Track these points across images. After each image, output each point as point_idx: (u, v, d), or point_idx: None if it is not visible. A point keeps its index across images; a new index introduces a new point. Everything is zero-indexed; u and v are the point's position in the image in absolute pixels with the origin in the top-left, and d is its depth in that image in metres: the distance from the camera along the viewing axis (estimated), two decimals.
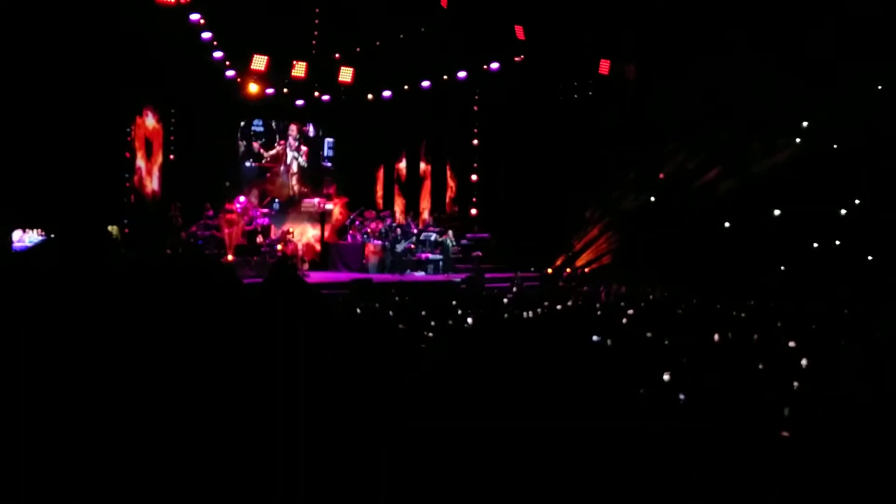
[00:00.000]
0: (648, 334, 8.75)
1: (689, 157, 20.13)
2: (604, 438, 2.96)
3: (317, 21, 19.28)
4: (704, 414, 5.30)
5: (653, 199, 20.95)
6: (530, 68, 20.50)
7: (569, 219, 21.37)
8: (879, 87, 18.40)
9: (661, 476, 3.12)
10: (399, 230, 20.75)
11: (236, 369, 2.61)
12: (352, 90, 20.11)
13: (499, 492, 2.76)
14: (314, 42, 19.39)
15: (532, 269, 19.61)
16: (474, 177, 22.95)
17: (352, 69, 19.61)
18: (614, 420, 3.19)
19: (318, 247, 21.66)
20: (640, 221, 20.41)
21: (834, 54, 17.79)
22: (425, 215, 22.78)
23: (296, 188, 21.58)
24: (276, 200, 20.92)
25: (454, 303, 12.11)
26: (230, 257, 17.84)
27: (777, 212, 19.83)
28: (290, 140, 21.40)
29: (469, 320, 9.96)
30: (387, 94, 20.61)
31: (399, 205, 22.99)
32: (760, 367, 7.04)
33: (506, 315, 11.06)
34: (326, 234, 21.77)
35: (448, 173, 23.28)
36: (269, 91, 19.35)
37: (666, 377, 6.13)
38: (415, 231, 21.02)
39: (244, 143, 20.84)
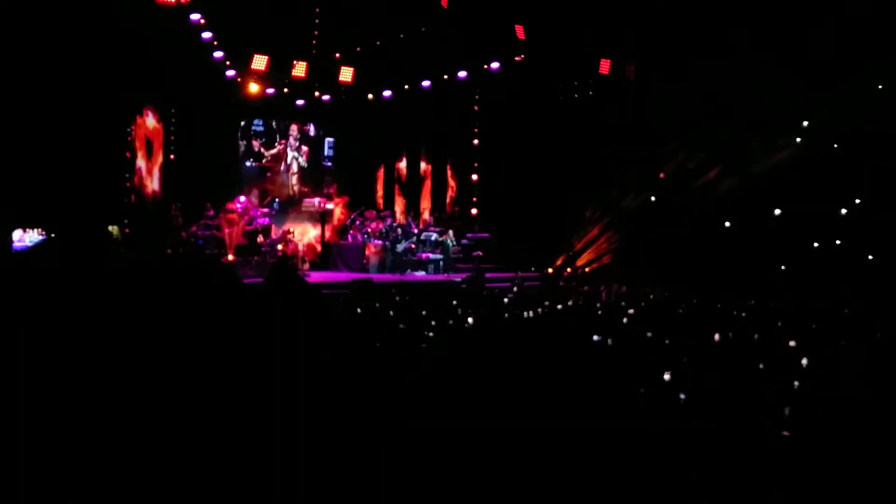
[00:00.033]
0: (649, 334, 8.75)
1: (689, 156, 20.13)
2: (604, 438, 2.96)
3: (317, 21, 19.27)
4: (705, 413, 5.30)
5: (653, 198, 20.95)
6: (531, 68, 20.50)
7: (569, 218, 21.37)
8: (880, 87, 18.40)
9: (661, 476, 3.12)
10: (399, 230, 20.76)
11: (236, 369, 2.61)
12: (352, 90, 20.11)
13: (499, 492, 2.76)
14: (314, 42, 19.39)
15: (532, 268, 19.61)
16: (475, 176, 22.96)
17: (352, 69, 19.61)
18: (614, 420, 3.19)
19: (318, 247, 21.66)
20: (640, 221, 20.41)
21: (834, 54, 17.79)
22: (426, 215, 22.77)
23: (296, 188, 21.58)
24: (277, 200, 20.92)
25: (455, 303, 12.12)
26: (230, 257, 17.84)
27: (777, 211, 19.83)
28: (291, 140, 21.40)
29: (469, 320, 9.96)
30: (387, 93, 20.61)
31: (399, 205, 22.99)
32: (761, 366, 7.04)
33: (506, 315, 11.06)
34: (327, 234, 21.77)
35: (448, 173, 23.29)
36: (270, 91, 19.35)
37: (666, 377, 6.13)
38: (415, 231, 21.02)
39: (244, 142, 20.83)
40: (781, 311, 11.84)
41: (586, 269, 20.70)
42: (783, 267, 19.16)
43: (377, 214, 21.26)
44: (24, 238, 15.12)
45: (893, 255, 18.03)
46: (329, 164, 22.21)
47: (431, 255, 20.26)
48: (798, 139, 19.68)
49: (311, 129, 21.81)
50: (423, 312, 10.37)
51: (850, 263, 18.33)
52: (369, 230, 20.48)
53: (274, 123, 21.21)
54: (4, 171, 14.29)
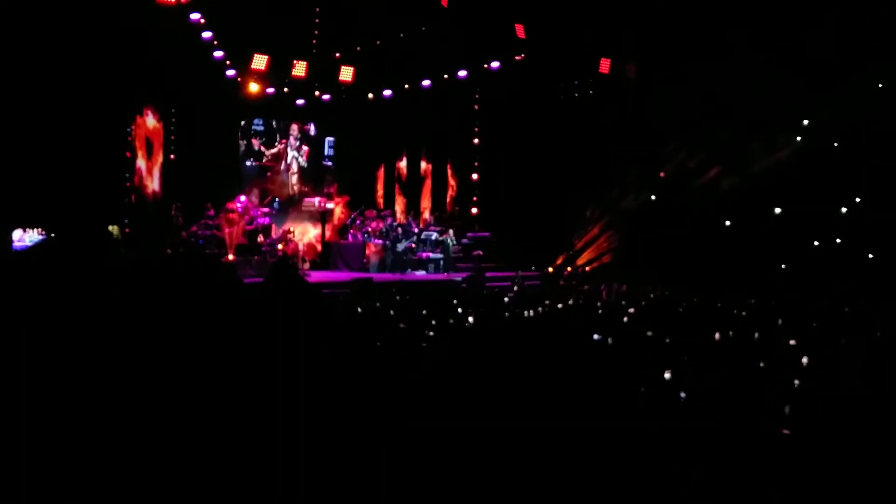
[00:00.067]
0: (649, 333, 8.75)
1: (689, 155, 20.13)
2: (604, 438, 2.96)
3: (317, 20, 19.27)
4: (705, 412, 5.31)
5: (653, 197, 20.95)
6: (531, 67, 20.51)
7: (569, 218, 21.38)
8: (880, 86, 18.40)
9: (661, 476, 3.12)
10: (400, 229, 20.76)
11: (236, 369, 2.61)
12: (352, 89, 20.11)
13: (499, 492, 2.76)
14: (314, 41, 19.39)
15: (533, 267, 19.62)
16: (475, 176, 22.97)
17: (352, 68, 19.61)
18: (614, 420, 3.19)
19: (318, 246, 21.66)
20: (640, 220, 20.42)
21: (834, 54, 17.79)
22: (426, 215, 22.78)
23: (296, 187, 21.58)
24: (277, 200, 20.92)
25: (455, 302, 12.12)
26: (231, 257, 17.84)
27: (777, 210, 19.83)
28: (291, 139, 21.40)
29: (470, 319, 9.96)
30: (387, 93, 20.61)
31: (400, 204, 22.99)
32: (761, 365, 7.04)
33: (507, 314, 11.06)
34: (327, 233, 21.77)
35: (449, 172, 23.29)
36: (270, 90, 19.35)
37: (667, 376, 6.13)
38: (415, 230, 21.02)
39: (244, 142, 20.83)
40: (782, 310, 11.84)
41: (587, 269, 20.70)
42: (783, 266, 19.17)
43: (377, 214, 21.26)
44: (24, 238, 15.12)
45: (893, 254, 18.03)
46: (329, 163, 22.20)
47: (432, 255, 20.26)
48: (798, 138, 19.68)
49: (312, 129, 21.80)
50: (424, 312, 10.37)
51: (850, 262, 18.34)
52: (369, 229, 20.48)
53: (274, 123, 21.21)
54: (4, 171, 14.29)
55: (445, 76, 20.58)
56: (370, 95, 20.63)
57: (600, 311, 11.76)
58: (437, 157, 23.23)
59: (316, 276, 17.62)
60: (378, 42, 19.52)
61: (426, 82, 20.52)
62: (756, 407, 5.49)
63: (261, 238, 19.20)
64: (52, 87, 14.84)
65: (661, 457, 3.18)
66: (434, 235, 20.67)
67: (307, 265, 19.52)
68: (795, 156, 19.24)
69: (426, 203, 23.20)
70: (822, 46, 17.62)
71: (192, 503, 2.37)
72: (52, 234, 14.89)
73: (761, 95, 18.15)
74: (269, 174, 21.14)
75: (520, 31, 20.00)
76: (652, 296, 14.95)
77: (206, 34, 17.74)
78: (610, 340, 7.68)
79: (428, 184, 23.30)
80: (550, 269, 20.22)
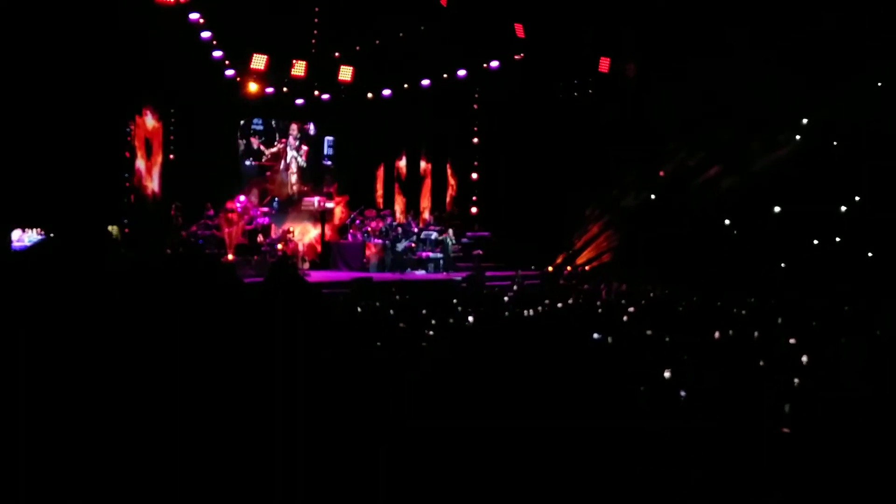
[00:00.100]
0: (649, 332, 8.75)
1: (689, 155, 20.13)
2: (604, 438, 2.96)
3: (316, 20, 19.27)
4: (705, 411, 5.30)
5: (653, 197, 20.95)
6: (530, 66, 20.51)
7: (569, 217, 21.39)
8: (879, 85, 18.40)
9: (661, 476, 3.12)
10: (399, 229, 20.76)
11: (237, 368, 2.60)
12: (352, 89, 20.10)
13: (499, 492, 2.75)
14: (314, 41, 19.38)
15: (532, 267, 19.61)
16: (474, 175, 22.97)
17: (351, 68, 19.60)
18: (614, 420, 3.19)
19: (318, 246, 21.65)
20: (640, 219, 20.42)
21: (834, 53, 17.79)
22: (426, 214, 22.78)
23: (295, 187, 21.57)
24: (276, 199, 20.91)
25: (455, 301, 12.11)
26: (230, 256, 17.83)
27: (777, 209, 19.83)
28: (291, 139, 21.39)
29: (470, 319, 9.96)
30: (387, 92, 20.60)
31: (399, 203, 22.98)
32: (761, 364, 7.04)
33: (506, 313, 11.06)
34: (327, 233, 21.76)
35: (448, 172, 23.29)
36: (269, 90, 19.34)
37: (667, 375, 6.13)
38: (415, 230, 21.02)
39: (244, 141, 20.82)
40: (781, 309, 11.84)
41: (586, 268, 20.71)
42: (783, 265, 19.17)
43: (377, 213, 21.25)
44: (24, 238, 15.12)
45: (893, 253, 18.03)
46: (329, 163, 22.19)
47: (431, 254, 20.26)
48: (798, 137, 19.68)
49: (312, 129, 21.79)
50: (424, 311, 10.37)
51: (849, 261, 18.34)
52: (369, 229, 20.47)
53: (273, 123, 21.20)
54: (4, 171, 14.28)
55: (445, 76, 20.58)
56: (369, 95, 20.63)
57: (600, 311, 11.76)
58: (437, 156, 23.22)
59: (316, 276, 17.61)
60: (377, 42, 19.51)
61: (426, 82, 20.51)
62: (756, 406, 5.49)
63: (260, 238, 19.19)
64: (51, 87, 14.83)
65: (661, 457, 3.18)
66: (434, 235, 20.67)
67: (307, 265, 19.51)
68: (795, 155, 19.24)
69: (426, 203, 23.20)
70: (821, 46, 17.63)
71: (192, 502, 2.37)
72: (52, 234, 14.89)
73: (761, 95, 18.15)
74: (268, 174, 21.13)
75: (519, 30, 20.00)
76: (652, 295, 14.95)
77: (206, 34, 17.73)
78: (610, 340, 7.68)
79: (427, 183, 23.30)
80: (550, 269, 20.22)
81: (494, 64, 20.63)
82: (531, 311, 11.10)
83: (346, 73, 19.57)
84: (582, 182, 20.62)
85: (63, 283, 2.72)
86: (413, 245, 20.42)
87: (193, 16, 17.27)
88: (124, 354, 2.51)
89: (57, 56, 14.84)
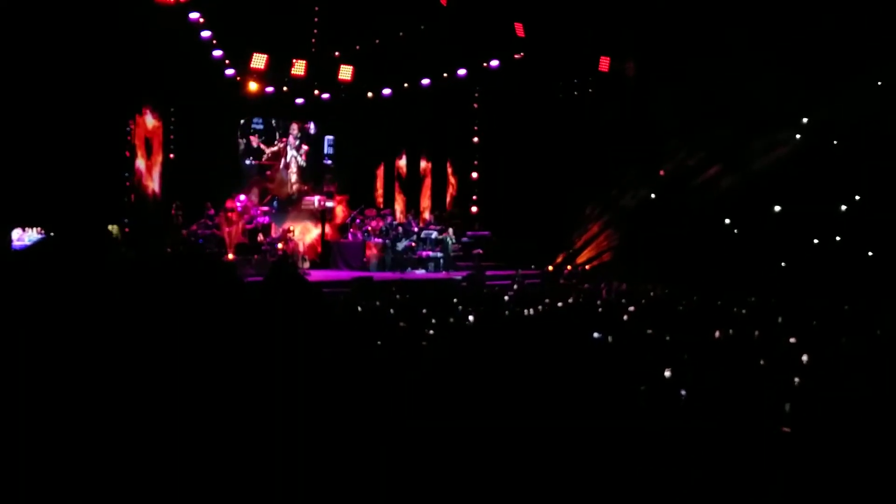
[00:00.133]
0: (649, 331, 8.76)
1: (688, 154, 20.13)
2: (604, 438, 2.96)
3: (316, 19, 19.26)
4: (705, 411, 5.31)
5: (653, 196, 20.95)
6: (530, 66, 20.51)
7: (569, 216, 21.39)
8: (879, 84, 18.40)
9: (661, 475, 3.12)
10: (400, 228, 20.76)
11: (237, 368, 2.60)
12: (352, 88, 20.09)
13: (499, 492, 2.75)
14: (314, 40, 19.37)
15: (533, 266, 19.61)
16: (475, 174, 22.97)
17: (351, 67, 19.59)
18: (614, 419, 3.19)
19: (318, 245, 21.65)
20: (640, 219, 20.43)
21: (833, 53, 17.80)
22: (426, 214, 22.78)
23: (296, 186, 21.56)
24: (276, 199, 20.90)
25: (455, 301, 12.12)
26: (230, 256, 17.83)
27: (777, 208, 19.83)
28: (291, 138, 21.38)
29: (470, 318, 9.96)
30: (387, 91, 20.60)
31: (400, 203, 22.98)
32: (761, 363, 7.04)
33: (507, 312, 11.06)
34: (328, 232, 21.76)
35: (448, 171, 23.30)
36: (269, 89, 19.33)
37: (667, 374, 6.13)
38: (415, 229, 21.01)
39: (244, 141, 20.81)
40: (782, 309, 11.85)
41: (586, 267, 20.71)
42: (783, 264, 19.17)
43: (377, 213, 21.25)
44: (24, 237, 15.12)
45: (893, 253, 18.03)
46: (329, 162, 22.18)
47: (431, 254, 20.26)
48: (797, 137, 19.69)
49: (312, 128, 21.78)
50: (424, 311, 10.37)
51: (850, 260, 18.34)
52: (369, 228, 20.47)
53: (273, 122, 21.19)
54: (4, 170, 14.28)
55: (445, 75, 20.58)
56: (370, 94, 20.62)
57: (600, 310, 11.77)
58: (437, 155, 23.22)
59: (316, 275, 17.60)
60: (377, 41, 19.51)
61: (426, 81, 20.51)
62: (756, 405, 5.49)
63: (261, 237, 19.19)
64: (51, 87, 14.82)
65: (661, 456, 3.18)
66: (434, 234, 20.66)
67: (307, 264, 19.50)
68: (795, 154, 19.24)
69: (426, 202, 23.20)
70: (821, 46, 17.63)
71: (193, 502, 2.37)
72: (52, 234, 14.89)
73: (760, 94, 18.15)
74: (268, 173, 21.12)
75: (519, 29, 20.00)
76: (652, 294, 14.96)
77: (206, 33, 17.71)
78: (610, 339, 7.68)
79: (428, 182, 23.31)
80: (550, 268, 20.22)
81: (494, 63, 20.63)
82: (531, 311, 11.11)
83: (346, 72, 19.57)
84: (582, 181, 20.63)
85: (63, 282, 2.71)
86: (413, 244, 20.41)
87: (193, 15, 17.25)
88: (124, 354, 2.51)
89: (57, 55, 14.84)
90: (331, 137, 22.06)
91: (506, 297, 13.79)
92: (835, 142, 19.29)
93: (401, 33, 19.39)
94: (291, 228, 19.74)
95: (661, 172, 20.85)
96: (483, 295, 14.25)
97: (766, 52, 17.86)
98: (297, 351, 2.68)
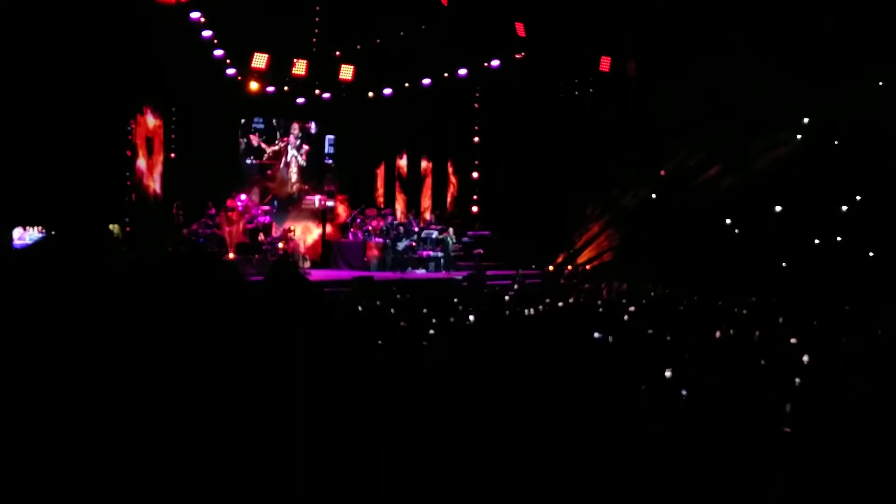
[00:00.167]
0: (650, 331, 8.76)
1: (689, 154, 20.14)
2: (604, 438, 2.96)
3: (317, 19, 19.27)
4: (706, 411, 5.31)
5: (654, 196, 20.95)
6: (531, 65, 20.52)
7: (570, 216, 21.40)
8: (880, 84, 18.40)
9: (661, 476, 3.12)
10: (400, 228, 20.76)
11: (236, 368, 2.60)
12: (352, 88, 20.10)
13: (499, 492, 2.75)
14: (315, 40, 19.38)
15: (533, 266, 19.62)
16: (475, 174, 22.97)
17: (352, 67, 19.61)
18: (615, 419, 3.19)
19: (319, 245, 21.65)
20: (640, 218, 20.43)
21: (834, 52, 17.79)
22: (427, 214, 22.79)
23: (296, 186, 21.57)
24: (276, 199, 20.91)
25: (455, 300, 12.12)
26: (231, 255, 17.83)
27: (778, 209, 19.83)
28: (292, 138, 21.39)
29: (471, 318, 9.97)
30: (387, 91, 20.61)
31: (400, 202, 22.99)
32: (762, 363, 7.04)
33: (507, 312, 11.06)
34: (329, 230, 21.76)
35: (449, 171, 23.30)
36: (270, 89, 19.34)
37: (668, 374, 6.13)
38: (416, 229, 21.02)
39: (245, 140, 20.82)
40: (782, 309, 11.85)
41: (587, 267, 20.72)
42: (784, 264, 19.17)
43: (378, 212, 21.26)
44: (25, 236, 15.13)
45: (894, 253, 18.03)
46: (330, 161, 22.19)
47: (432, 253, 20.26)
48: (798, 137, 19.69)
49: (313, 128, 21.79)
50: (424, 310, 10.38)
51: (850, 261, 18.34)
52: (370, 228, 20.48)
53: (274, 121, 21.20)
54: (5, 170, 14.29)
55: (446, 75, 20.59)
56: (370, 94, 20.63)
57: (601, 310, 11.77)
58: (438, 155, 23.23)
59: (317, 275, 17.61)
60: (378, 41, 19.52)
61: (426, 81, 20.52)
62: (757, 405, 5.49)
63: (261, 237, 19.19)
64: (52, 86, 14.83)
65: (661, 457, 3.17)
66: (434, 234, 20.67)
67: (308, 264, 19.51)
68: (796, 154, 19.24)
69: (426, 202, 23.20)
70: (822, 45, 17.63)
71: (193, 502, 2.37)
72: (53, 233, 14.89)
73: (761, 94, 18.15)
74: (269, 172, 21.14)
75: (520, 29, 20.01)
76: (653, 294, 14.96)
77: (206, 33, 17.73)
78: (610, 339, 7.68)
79: (428, 182, 23.32)
80: (551, 268, 20.22)
81: (495, 63, 20.64)
82: (532, 311, 11.11)
83: (346, 72, 19.58)
84: (583, 181, 20.63)
85: (63, 281, 2.72)
86: (414, 244, 20.42)
87: (194, 15, 17.27)
88: (125, 353, 2.51)
89: (58, 55, 14.85)
90: (331, 137, 22.07)
91: (506, 297, 13.80)
92: (836, 142, 19.28)
93: (402, 33, 19.40)
94: (292, 228, 19.75)
95: (662, 172, 20.86)
96: (483, 295, 14.26)
97: (766, 52, 17.85)
98: (298, 350, 2.68)
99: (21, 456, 2.25)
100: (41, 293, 2.60)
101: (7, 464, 2.24)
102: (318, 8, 19.09)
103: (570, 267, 20.57)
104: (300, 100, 20.32)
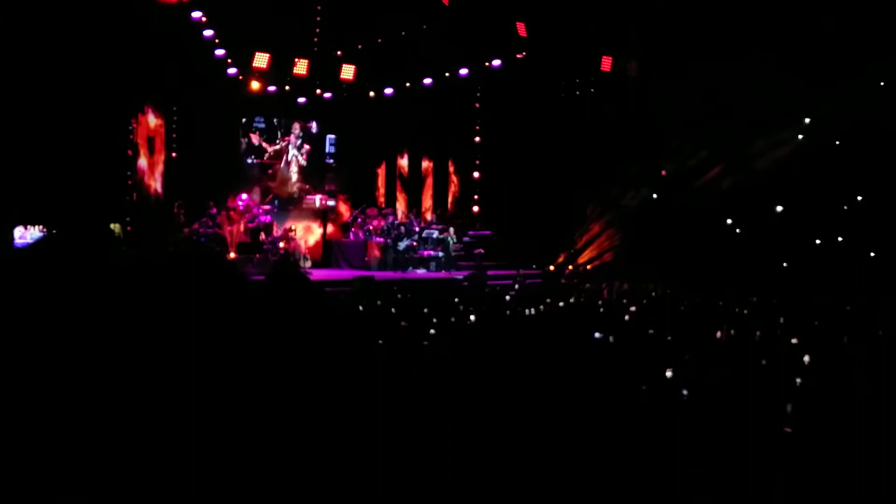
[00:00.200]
0: (651, 331, 8.75)
1: (690, 153, 20.13)
2: (604, 438, 2.96)
3: (318, 18, 19.27)
4: (706, 410, 5.30)
5: (655, 195, 20.95)
6: (532, 65, 20.51)
7: (571, 216, 21.40)
8: (881, 84, 18.40)
9: (662, 476, 3.12)
10: (401, 227, 20.76)
11: (238, 367, 2.61)
12: (353, 87, 20.11)
13: (499, 492, 2.76)
14: (316, 39, 19.38)
15: (534, 266, 19.62)
16: (476, 174, 22.97)
17: (353, 66, 19.61)
18: (615, 419, 3.19)
19: (320, 245, 21.65)
20: (642, 218, 20.42)
21: (835, 52, 17.79)
22: (427, 214, 22.78)
23: (297, 185, 21.57)
24: (277, 198, 20.91)
25: (456, 300, 12.11)
26: (232, 255, 17.83)
27: (779, 208, 19.82)
28: (293, 137, 21.39)
29: (471, 317, 9.96)
30: (389, 91, 20.61)
31: (401, 202, 22.99)
32: (763, 363, 7.04)
33: (508, 312, 11.06)
34: (330, 230, 21.76)
35: (450, 170, 23.30)
36: (271, 89, 19.35)
37: (668, 374, 6.13)
38: (417, 228, 21.02)
39: (246, 140, 20.82)
40: (783, 308, 11.84)
41: (588, 267, 20.71)
42: (785, 264, 19.16)
43: (379, 212, 21.26)
44: (26, 235, 15.13)
45: (895, 252, 18.02)
46: (331, 161, 22.19)
47: (433, 253, 20.26)
48: (800, 136, 19.68)
49: (314, 127, 21.79)
50: (425, 310, 10.37)
51: (852, 260, 18.33)
52: (371, 227, 20.48)
53: (275, 121, 21.20)
54: (6, 169, 14.30)
55: (447, 74, 20.59)
56: (371, 93, 20.63)
57: (602, 310, 11.77)
58: (439, 155, 23.23)
59: (317, 275, 17.61)
60: (379, 40, 19.53)
61: (427, 80, 20.51)
62: (758, 405, 5.49)
63: (262, 236, 19.19)
64: (53, 86, 14.84)
65: (661, 456, 3.18)
66: (435, 234, 20.67)
67: (309, 263, 19.51)
68: (797, 154, 19.24)
69: (427, 201, 23.20)
70: (823, 45, 17.63)
71: (193, 502, 2.37)
72: (54, 232, 14.88)
73: (762, 93, 18.15)
74: (269, 171, 21.14)
75: (521, 28, 20.00)
76: (653, 294, 14.95)
77: (208, 32, 17.73)
78: (611, 339, 7.68)
79: (429, 182, 23.31)
80: (552, 268, 20.22)
81: (496, 62, 20.64)
82: (533, 310, 11.10)
83: (348, 71, 19.58)
84: (584, 181, 20.64)
85: (65, 280, 2.72)
86: (415, 244, 20.41)
87: (196, 14, 17.27)
88: (126, 352, 2.51)
89: (59, 54, 14.85)
90: (332, 136, 22.07)
91: (507, 297, 13.79)
92: (837, 142, 19.27)
93: (403, 32, 19.42)
94: (293, 227, 19.75)
95: (663, 172, 20.84)
96: (484, 294, 14.25)
97: (767, 52, 17.86)
98: (299, 350, 2.68)
99: (21, 455, 2.25)
100: (42, 292, 2.60)
101: (7, 463, 2.24)
102: (319, 7, 19.09)
103: (570, 267, 20.57)
104: (301, 99, 20.32)
